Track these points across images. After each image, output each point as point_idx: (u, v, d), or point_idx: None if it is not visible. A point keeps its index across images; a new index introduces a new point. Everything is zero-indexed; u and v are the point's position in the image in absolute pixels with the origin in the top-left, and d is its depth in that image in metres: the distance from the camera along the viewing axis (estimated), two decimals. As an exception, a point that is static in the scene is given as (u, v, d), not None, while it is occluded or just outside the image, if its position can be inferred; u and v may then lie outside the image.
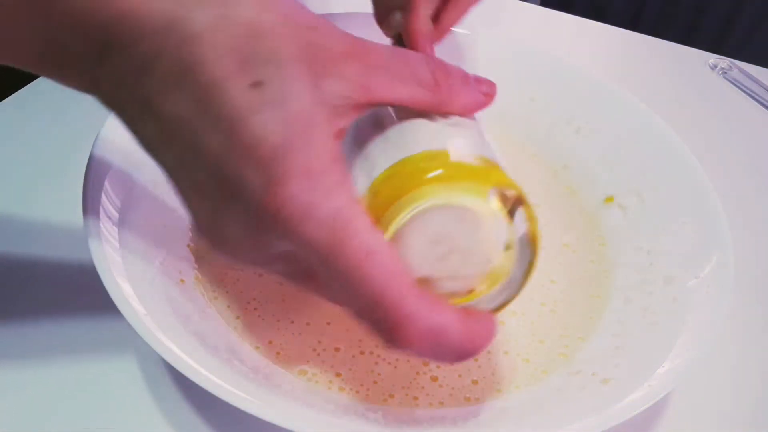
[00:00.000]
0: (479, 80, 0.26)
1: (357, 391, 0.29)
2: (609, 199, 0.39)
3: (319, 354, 0.30)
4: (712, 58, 0.58)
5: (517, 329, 0.32)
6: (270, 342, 0.30)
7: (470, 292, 0.24)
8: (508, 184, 0.23)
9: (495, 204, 0.23)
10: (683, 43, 0.60)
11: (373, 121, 0.25)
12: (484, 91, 0.26)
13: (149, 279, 0.28)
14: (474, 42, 0.43)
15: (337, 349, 0.30)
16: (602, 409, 0.25)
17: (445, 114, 0.25)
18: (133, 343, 0.31)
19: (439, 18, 0.37)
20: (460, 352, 0.21)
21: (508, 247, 0.24)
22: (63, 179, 0.39)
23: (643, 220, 0.36)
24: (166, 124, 0.19)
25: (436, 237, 0.23)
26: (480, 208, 0.23)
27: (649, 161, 0.38)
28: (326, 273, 0.20)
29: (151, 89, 0.19)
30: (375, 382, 0.29)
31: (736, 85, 0.55)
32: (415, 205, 0.22)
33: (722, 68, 0.57)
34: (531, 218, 0.24)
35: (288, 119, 0.19)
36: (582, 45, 0.60)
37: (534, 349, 0.32)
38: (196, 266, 0.33)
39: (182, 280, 0.31)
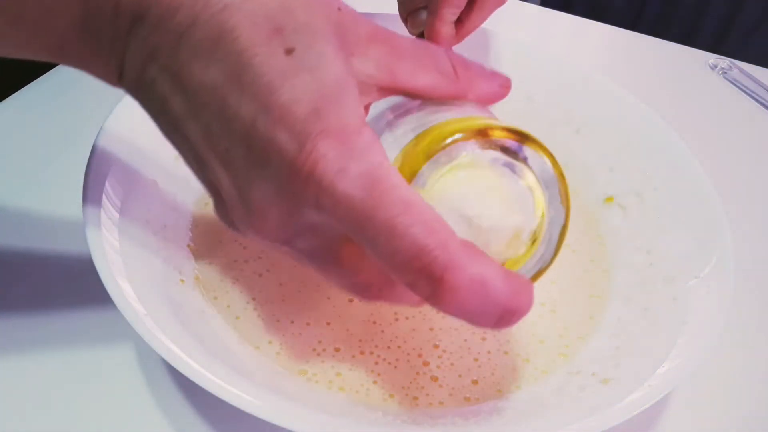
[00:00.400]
0: (495, 74, 0.27)
1: (357, 392, 0.29)
2: (609, 199, 0.39)
3: (319, 354, 0.30)
4: (712, 58, 0.58)
5: (517, 329, 0.32)
6: (270, 342, 0.30)
7: (503, 264, 0.24)
8: (534, 141, 0.23)
9: (521, 162, 0.23)
10: (683, 43, 0.59)
11: (395, 108, 0.26)
12: (500, 83, 0.26)
13: (149, 279, 0.28)
14: (474, 42, 0.43)
15: (337, 350, 0.30)
16: (602, 409, 0.25)
17: (463, 103, 0.26)
18: (132, 343, 0.31)
19: (462, 20, 0.38)
20: (505, 308, 0.20)
21: (539, 212, 0.24)
22: (63, 179, 0.39)
23: (643, 220, 0.36)
24: (196, 94, 0.20)
25: (464, 202, 0.23)
26: (505, 166, 0.23)
27: (649, 161, 0.38)
28: (362, 232, 0.20)
29: (184, 59, 0.19)
30: (375, 382, 0.29)
31: (736, 85, 0.55)
32: (440, 168, 0.22)
33: (722, 68, 0.57)
34: (560, 176, 0.24)
35: (321, 84, 0.19)
36: (582, 45, 0.60)
37: (534, 349, 0.32)
38: (196, 266, 0.33)
39: (182, 280, 0.31)
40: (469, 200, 0.23)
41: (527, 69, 0.44)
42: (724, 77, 0.56)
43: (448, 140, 0.22)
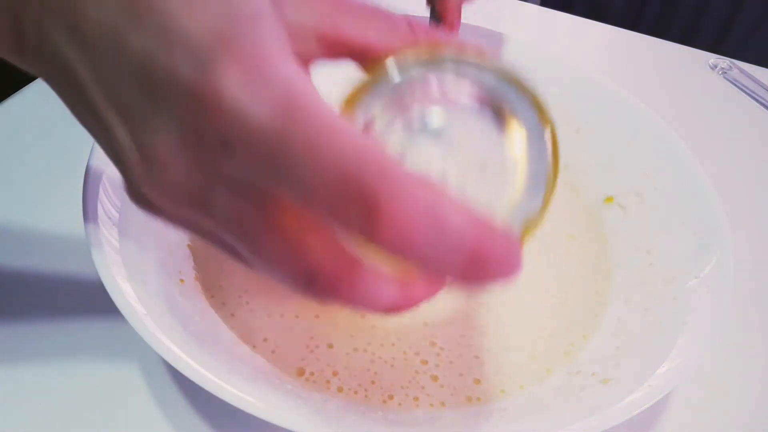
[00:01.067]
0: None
1: (356, 392, 0.29)
2: (609, 199, 0.39)
3: (312, 351, 0.30)
4: (712, 58, 0.58)
5: (526, 321, 0.32)
6: (265, 340, 0.30)
7: None
8: (515, 80, 0.19)
9: (498, 97, 0.19)
10: (683, 43, 0.59)
11: None
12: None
13: (149, 279, 0.28)
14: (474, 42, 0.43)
15: (330, 346, 0.30)
16: (602, 409, 0.25)
17: None
18: (133, 343, 0.31)
19: None
20: (472, 249, 0.16)
21: (520, 157, 0.19)
22: (63, 180, 0.39)
23: (643, 220, 0.36)
24: (93, 40, 0.17)
25: (423, 140, 0.19)
26: (478, 101, 0.19)
27: (649, 161, 0.38)
28: (279, 168, 0.16)
29: (80, 3, 0.17)
30: (373, 382, 0.29)
31: (736, 85, 0.55)
32: (389, 93, 0.19)
33: (722, 68, 0.57)
34: (545, 118, 0.20)
35: (232, 8, 0.16)
36: (582, 45, 0.60)
37: (541, 345, 0.31)
38: (196, 265, 0.33)
39: (182, 280, 0.31)
40: (430, 132, 0.19)
41: (527, 69, 0.44)
42: (724, 77, 0.56)
43: (404, 58, 0.18)
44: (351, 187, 0.15)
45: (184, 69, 0.16)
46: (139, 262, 0.28)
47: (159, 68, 0.17)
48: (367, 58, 0.21)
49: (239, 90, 0.16)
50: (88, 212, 0.28)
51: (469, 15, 0.37)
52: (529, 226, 0.20)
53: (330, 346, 0.30)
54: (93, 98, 0.18)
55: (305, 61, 0.20)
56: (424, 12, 0.41)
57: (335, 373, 0.29)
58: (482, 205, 0.19)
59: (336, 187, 0.16)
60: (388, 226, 0.15)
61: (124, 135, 0.18)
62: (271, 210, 0.18)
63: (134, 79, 0.17)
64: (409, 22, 0.21)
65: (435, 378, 0.30)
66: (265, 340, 0.30)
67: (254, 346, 0.30)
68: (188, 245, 0.33)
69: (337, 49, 0.20)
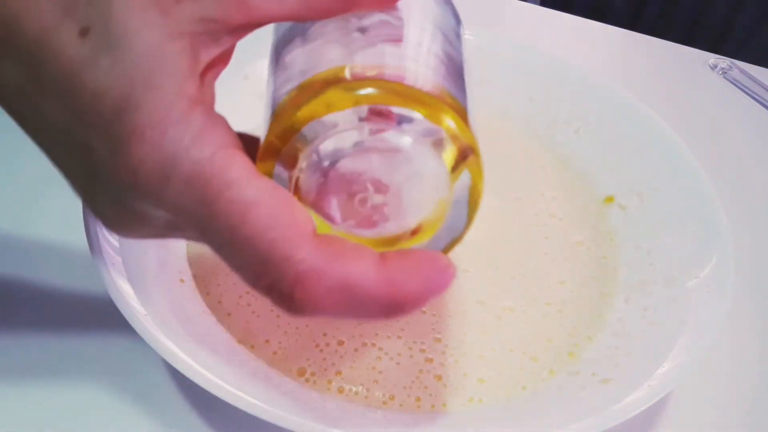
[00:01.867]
0: None
1: (356, 393, 0.29)
2: (609, 199, 0.39)
3: (322, 350, 0.30)
4: (712, 58, 0.58)
5: (521, 326, 0.32)
6: (266, 341, 0.30)
7: (415, 233, 0.21)
8: (425, 105, 0.19)
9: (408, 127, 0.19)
10: (683, 43, 0.59)
11: (284, 37, 0.22)
12: None
13: (149, 279, 0.28)
14: (474, 42, 0.43)
15: (341, 343, 0.30)
16: (602, 409, 0.25)
17: (363, 16, 0.20)
18: (133, 343, 0.31)
19: None
20: (388, 302, 0.18)
21: (444, 164, 0.20)
22: (63, 180, 0.39)
23: (643, 220, 0.36)
24: (10, 103, 0.18)
25: (352, 167, 0.20)
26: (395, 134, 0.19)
27: (649, 161, 0.38)
28: (208, 239, 0.17)
29: None
30: (376, 381, 0.29)
31: (736, 85, 0.55)
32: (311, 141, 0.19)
33: (722, 68, 0.57)
34: (460, 133, 0.19)
35: (127, 66, 0.16)
36: (582, 45, 0.60)
37: (541, 347, 0.31)
38: (195, 265, 0.32)
39: (182, 280, 0.31)
40: (354, 166, 0.19)
41: (527, 69, 0.44)
42: (724, 77, 0.56)
43: (320, 118, 0.18)
44: (266, 280, 0.17)
45: (99, 146, 0.17)
46: (139, 262, 0.28)
47: (78, 142, 0.17)
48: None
49: (152, 169, 0.16)
50: (88, 213, 0.28)
51: (468, 15, 0.37)
52: (455, 239, 0.21)
53: (341, 343, 0.30)
54: (37, 137, 0.19)
55: (229, 53, 0.19)
56: None
57: (339, 373, 0.29)
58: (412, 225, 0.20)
59: (254, 277, 0.17)
60: (308, 305, 0.17)
61: (74, 188, 0.19)
62: None
63: (62, 147, 0.18)
64: None
65: (439, 377, 0.30)
66: (266, 341, 0.30)
67: (253, 347, 0.30)
68: (188, 245, 0.33)
69: (251, 28, 0.18)
